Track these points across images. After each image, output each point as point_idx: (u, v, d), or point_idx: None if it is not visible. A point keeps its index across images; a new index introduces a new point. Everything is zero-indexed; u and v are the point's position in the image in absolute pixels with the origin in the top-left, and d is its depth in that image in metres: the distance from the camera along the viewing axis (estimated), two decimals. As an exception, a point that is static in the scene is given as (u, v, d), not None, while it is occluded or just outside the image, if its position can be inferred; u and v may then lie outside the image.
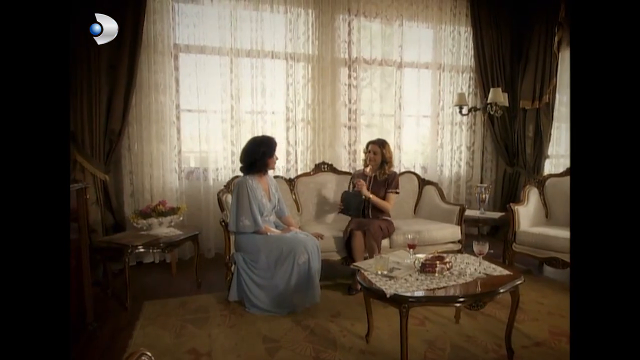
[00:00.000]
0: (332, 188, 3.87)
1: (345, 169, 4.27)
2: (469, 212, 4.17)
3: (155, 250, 3.04)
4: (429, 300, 1.90)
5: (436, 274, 2.14)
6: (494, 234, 4.81)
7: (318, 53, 4.12)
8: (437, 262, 2.18)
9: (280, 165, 4.18)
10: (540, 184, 3.77)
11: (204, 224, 3.92)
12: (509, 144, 4.77)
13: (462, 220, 3.48)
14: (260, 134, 4.06)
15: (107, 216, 3.65)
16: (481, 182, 4.64)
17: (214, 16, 3.83)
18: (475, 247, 2.21)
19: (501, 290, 2.01)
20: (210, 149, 3.97)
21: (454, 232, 3.43)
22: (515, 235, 3.42)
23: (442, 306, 2.31)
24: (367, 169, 3.48)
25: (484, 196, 3.93)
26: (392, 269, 2.22)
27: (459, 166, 4.81)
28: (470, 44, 4.60)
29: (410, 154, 4.70)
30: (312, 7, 4.08)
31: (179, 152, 3.90)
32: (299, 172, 4.07)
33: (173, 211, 3.21)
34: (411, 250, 2.39)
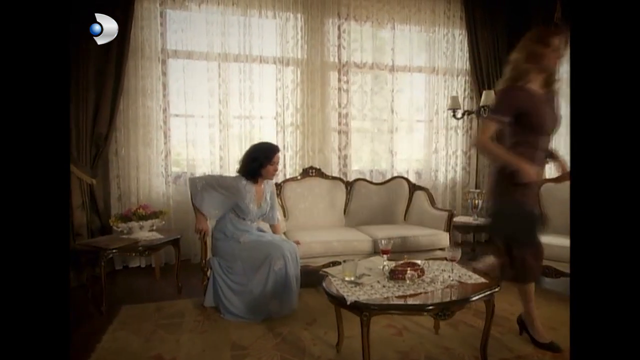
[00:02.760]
0: (320, 193, 3.81)
1: (335, 174, 4.20)
2: (462, 219, 4.06)
3: (134, 254, 3.01)
4: (391, 308, 1.81)
5: (407, 281, 2.05)
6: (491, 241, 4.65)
7: (307, 57, 4.09)
8: (408, 268, 2.09)
9: (270, 170, 4.15)
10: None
11: (191, 229, 3.86)
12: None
13: (450, 227, 3.36)
14: (248, 139, 4.06)
15: (94, 220, 3.66)
16: (478, 188, 4.51)
17: (201, 21, 3.86)
18: (448, 253, 2.11)
19: (472, 299, 1.91)
20: (197, 154, 3.97)
21: (441, 238, 3.32)
22: (506, 243, 3.27)
23: (406, 314, 2.21)
24: (534, 85, 2.06)
25: (476, 202, 3.81)
26: (362, 275, 2.14)
27: (455, 172, 4.69)
28: (465, 47, 4.51)
29: (403, 159, 4.60)
30: (301, 11, 4.06)
31: (166, 156, 3.91)
32: (288, 177, 4.02)
33: (155, 215, 3.20)
34: (385, 256, 2.30)
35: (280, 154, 2.90)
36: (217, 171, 3.99)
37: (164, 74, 3.85)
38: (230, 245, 2.78)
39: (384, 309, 1.80)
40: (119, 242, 2.92)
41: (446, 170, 4.65)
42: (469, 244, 4.33)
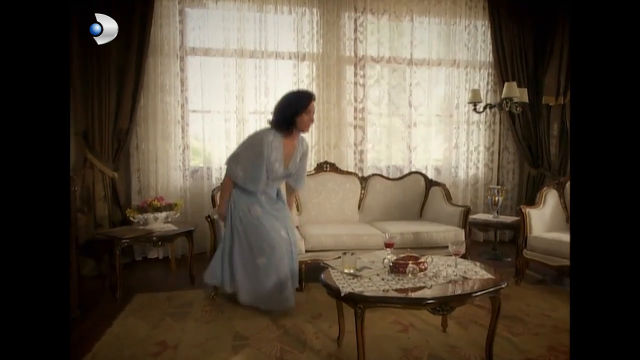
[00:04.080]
0: (334, 188, 3.77)
1: (351, 169, 4.16)
2: (482, 216, 3.91)
3: (149, 245, 3.10)
4: (386, 300, 1.75)
5: (408, 275, 1.98)
6: (515, 240, 4.44)
7: (323, 52, 4.07)
8: (410, 262, 2.02)
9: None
10: (561, 186, 3.42)
11: (206, 222, 3.96)
12: (532, 144, 4.40)
13: (466, 223, 3.23)
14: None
15: (116, 212, 3.81)
16: (501, 185, 4.31)
17: (218, 18, 3.92)
18: (452, 247, 2.03)
19: (474, 295, 1.82)
20: (214, 148, 4.04)
21: (456, 235, 3.20)
22: (526, 241, 3.11)
23: (403, 308, 2.13)
24: None
25: (496, 199, 3.65)
26: (363, 268, 2.09)
27: (477, 168, 4.51)
28: (488, 38, 4.33)
29: (422, 155, 4.48)
30: (317, 6, 4.05)
31: (184, 150, 4.00)
32: (302, 172, 4.01)
33: (169, 207, 3.28)
34: (388, 249, 2.24)
35: (315, 104, 2.60)
36: (232, 166, 4.04)
37: (182, 70, 3.95)
38: (245, 201, 2.61)
39: (378, 301, 1.75)
40: (134, 233, 3.02)
41: (467, 167, 4.49)
42: (490, 242, 4.16)
